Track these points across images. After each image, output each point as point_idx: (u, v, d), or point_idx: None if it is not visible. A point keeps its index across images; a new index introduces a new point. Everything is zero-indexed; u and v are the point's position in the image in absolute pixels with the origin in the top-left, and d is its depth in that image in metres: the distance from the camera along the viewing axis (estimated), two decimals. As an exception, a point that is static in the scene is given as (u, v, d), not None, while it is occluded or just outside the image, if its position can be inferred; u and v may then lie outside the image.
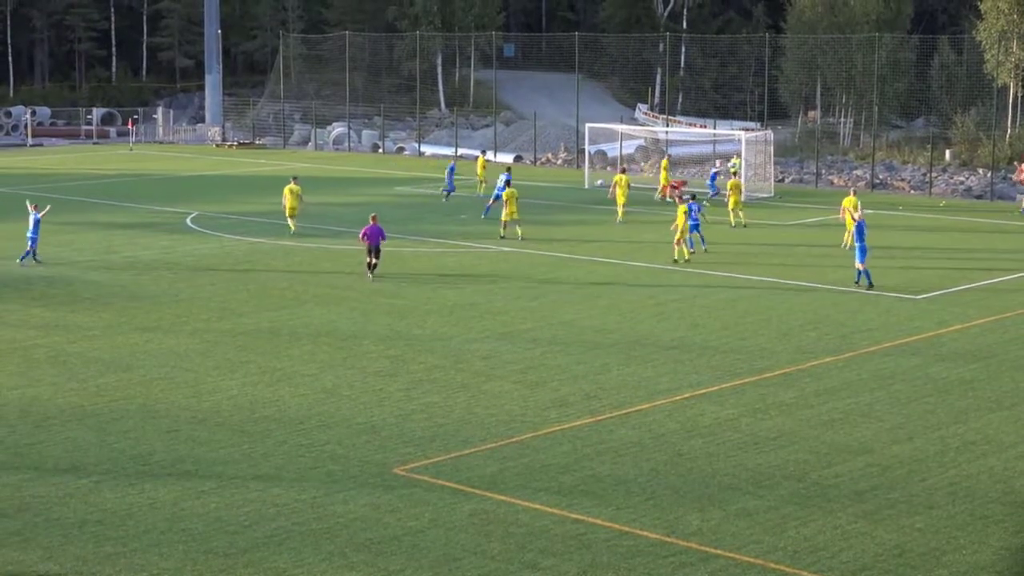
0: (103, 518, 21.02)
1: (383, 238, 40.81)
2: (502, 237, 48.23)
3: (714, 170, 62.15)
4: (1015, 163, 65.72)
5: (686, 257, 43.43)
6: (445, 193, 60.69)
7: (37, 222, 43.42)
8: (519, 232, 47.91)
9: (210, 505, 21.61)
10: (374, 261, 40.79)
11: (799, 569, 18.88)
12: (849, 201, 45.85)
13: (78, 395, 28.17)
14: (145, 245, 47.89)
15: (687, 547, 19.75)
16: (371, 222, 40.96)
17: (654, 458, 23.89)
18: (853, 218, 41.25)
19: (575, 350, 32.12)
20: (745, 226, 51.59)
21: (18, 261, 43.37)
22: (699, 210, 45.02)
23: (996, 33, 72.09)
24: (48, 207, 45.89)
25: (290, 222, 50.20)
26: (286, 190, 50.56)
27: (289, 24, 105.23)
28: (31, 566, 19.11)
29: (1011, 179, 64.52)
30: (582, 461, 23.73)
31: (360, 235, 41.18)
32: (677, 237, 43.26)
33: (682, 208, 43.82)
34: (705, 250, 44.84)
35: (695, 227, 44.64)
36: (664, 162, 63.19)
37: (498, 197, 51.42)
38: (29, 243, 43.57)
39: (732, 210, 52.24)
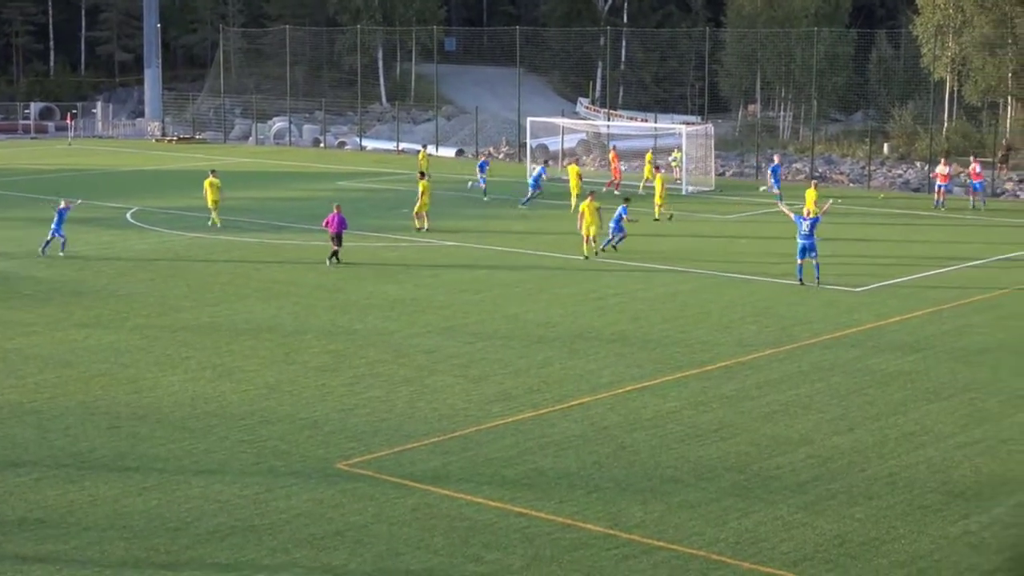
0: (44, 516, 20.85)
1: (345, 227, 42.08)
2: (418, 230, 48.83)
3: (774, 164, 61.37)
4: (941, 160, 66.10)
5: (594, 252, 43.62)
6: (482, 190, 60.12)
7: (62, 215, 44.17)
8: (421, 224, 49.07)
9: (152, 502, 21.48)
10: (336, 248, 41.92)
11: (740, 560, 18.99)
12: (811, 194, 46.17)
13: (17, 392, 27.93)
14: (86, 240, 47.51)
15: (630, 539, 19.81)
16: (335, 211, 42.08)
17: (597, 451, 23.96)
18: (803, 212, 41.07)
19: (517, 344, 32.16)
20: (671, 218, 52.07)
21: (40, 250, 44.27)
22: (625, 212, 44.52)
23: (932, 28, 72.70)
24: (79, 200, 46.65)
25: (213, 215, 50.34)
26: (206, 183, 50.70)
27: (229, 18, 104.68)
28: (-30, 565, 18.95)
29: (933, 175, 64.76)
30: (525, 455, 23.76)
31: (323, 223, 42.39)
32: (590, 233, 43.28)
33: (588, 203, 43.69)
34: (604, 249, 44.30)
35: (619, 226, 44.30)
36: (611, 155, 63.56)
37: (536, 187, 55.29)
38: (52, 234, 44.10)
39: (659, 204, 52.18)
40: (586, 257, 43.29)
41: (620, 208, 44.46)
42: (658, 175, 53.58)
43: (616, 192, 58.26)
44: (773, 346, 31.85)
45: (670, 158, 68.99)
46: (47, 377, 29.06)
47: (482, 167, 60.36)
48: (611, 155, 64.14)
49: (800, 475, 22.68)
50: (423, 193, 49.00)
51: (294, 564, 18.96)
